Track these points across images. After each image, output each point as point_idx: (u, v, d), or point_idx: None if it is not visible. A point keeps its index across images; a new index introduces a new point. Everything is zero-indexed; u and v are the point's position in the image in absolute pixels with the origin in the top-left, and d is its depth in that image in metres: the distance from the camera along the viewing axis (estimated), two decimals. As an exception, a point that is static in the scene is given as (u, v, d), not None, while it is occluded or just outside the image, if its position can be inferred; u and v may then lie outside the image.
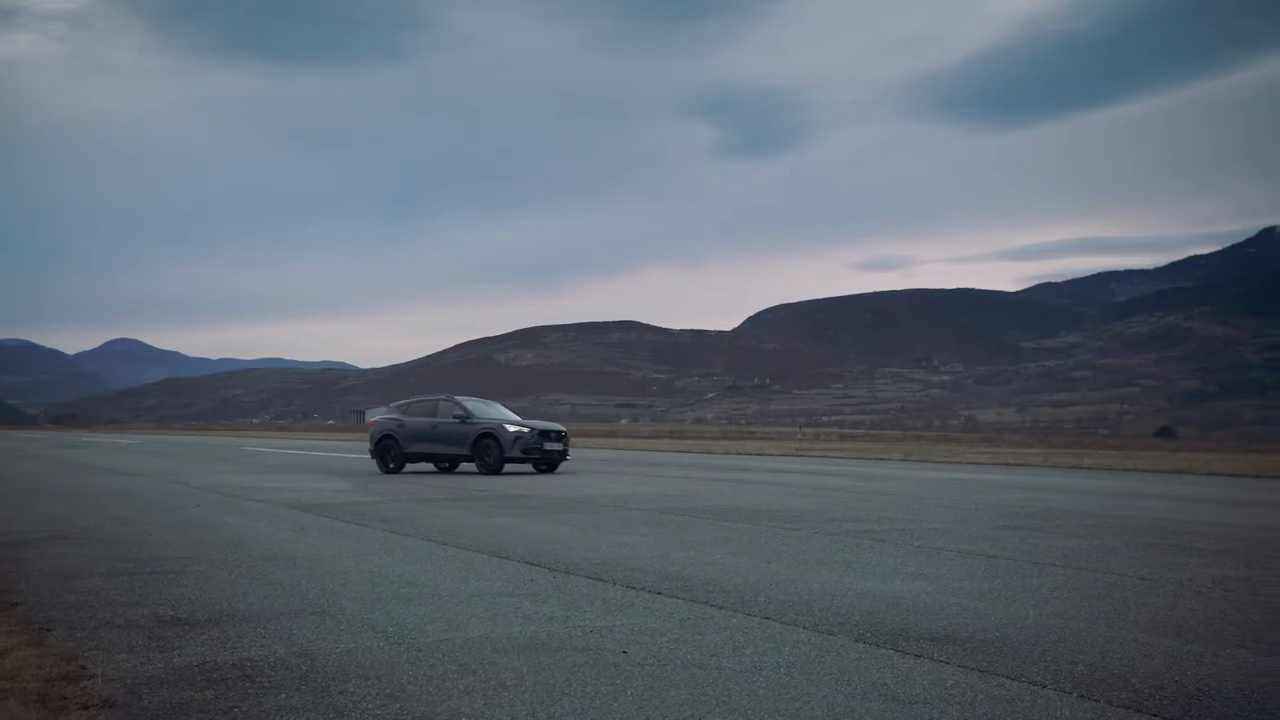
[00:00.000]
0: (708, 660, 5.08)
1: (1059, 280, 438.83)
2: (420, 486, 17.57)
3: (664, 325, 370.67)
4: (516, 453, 22.15)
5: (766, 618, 6.07)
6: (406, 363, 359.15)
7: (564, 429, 23.80)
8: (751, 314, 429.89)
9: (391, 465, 23.48)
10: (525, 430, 22.39)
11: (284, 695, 4.49)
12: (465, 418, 23.01)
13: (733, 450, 42.47)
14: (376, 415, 27.43)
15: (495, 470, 22.07)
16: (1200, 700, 4.41)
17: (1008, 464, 30.14)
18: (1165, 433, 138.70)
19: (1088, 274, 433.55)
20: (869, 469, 25.92)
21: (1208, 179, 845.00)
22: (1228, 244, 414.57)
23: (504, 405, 25.44)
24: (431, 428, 23.25)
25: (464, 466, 23.92)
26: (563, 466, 24.35)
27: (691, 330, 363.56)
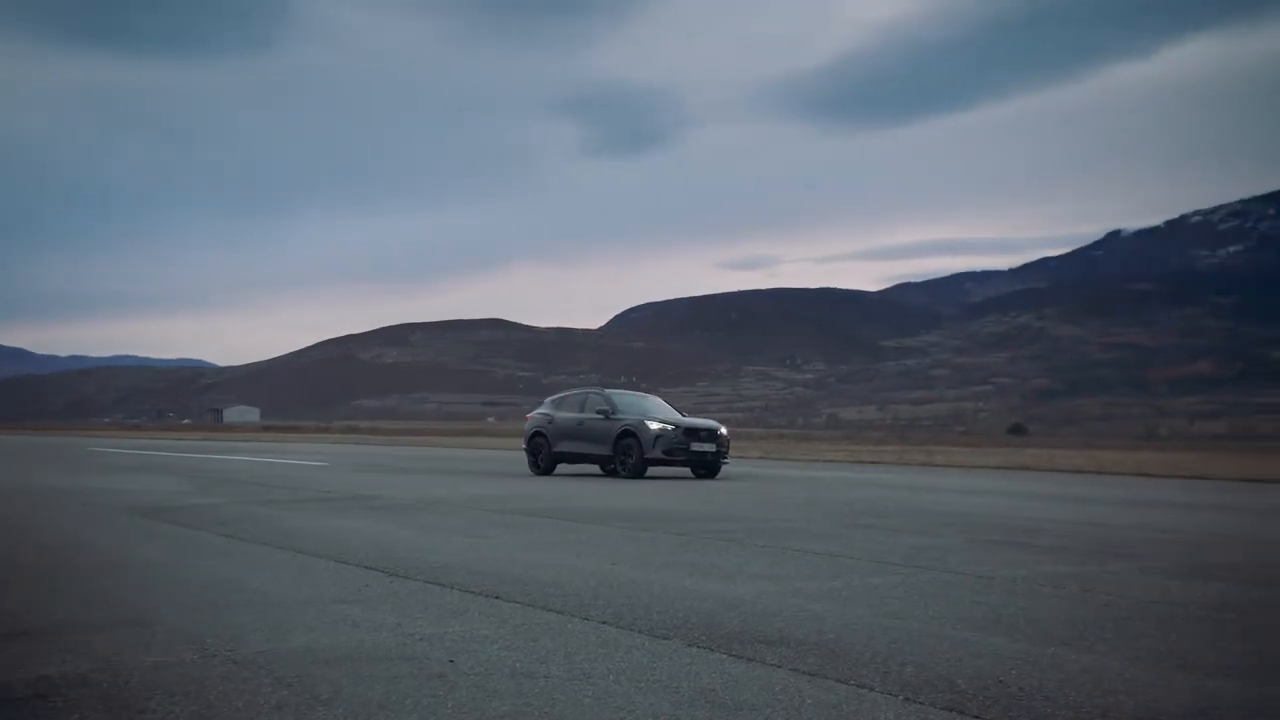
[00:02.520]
0: (537, 668, 4.95)
1: (917, 280, 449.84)
2: (267, 488, 17.09)
3: (531, 323, 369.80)
4: (658, 454, 20.18)
5: (603, 622, 5.97)
6: (267, 360, 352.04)
7: (719, 426, 21.31)
8: (618, 312, 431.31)
9: (541, 465, 21.87)
10: (669, 428, 20.36)
11: (78, 715, 4.23)
12: (610, 413, 21.10)
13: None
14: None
15: (637, 474, 20.33)
16: (1021, 700, 4.43)
17: (863, 462, 30.66)
18: (1017, 430, 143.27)
19: (945, 274, 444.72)
20: (727, 468, 26.09)
21: (1058, 183, 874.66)
22: (1076, 246, 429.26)
23: (667, 402, 23.17)
24: (578, 424, 21.53)
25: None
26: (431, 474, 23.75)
27: (559, 328, 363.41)
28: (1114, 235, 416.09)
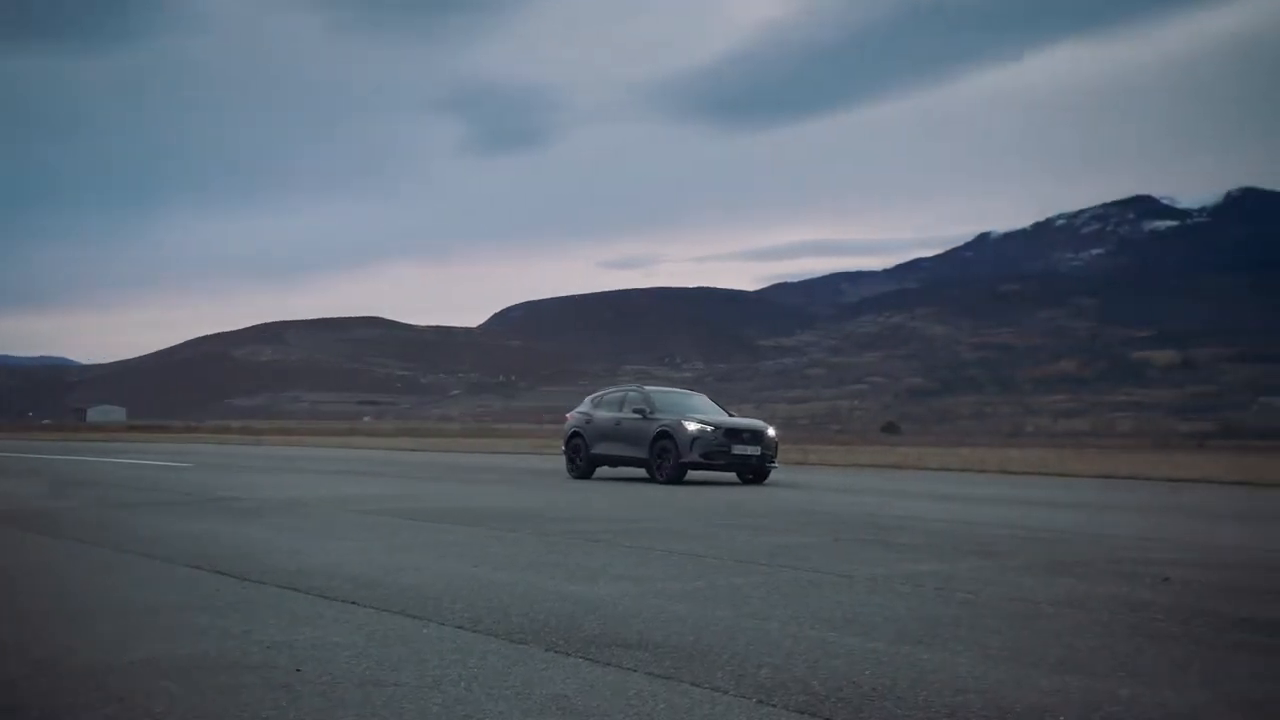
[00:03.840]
0: (387, 676, 4.81)
1: (794, 280, 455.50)
2: (124, 491, 16.55)
3: (410, 321, 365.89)
4: (695, 456, 18.64)
5: (460, 627, 5.85)
6: (135, 358, 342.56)
7: (766, 427, 19.60)
8: (498, 311, 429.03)
9: (579, 468, 20.57)
10: (708, 429, 18.76)
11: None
12: (647, 412, 19.59)
13: (470, 448, 42.07)
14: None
15: (674, 478, 18.78)
16: (873, 700, 4.43)
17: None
18: (891, 428, 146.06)
19: (821, 275, 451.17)
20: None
21: (931, 185, 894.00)
22: (948, 248, 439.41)
23: (712, 399, 21.67)
24: (615, 424, 20.06)
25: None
26: (297, 474, 23.11)
27: (437, 327, 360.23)
28: (984, 237, 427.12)
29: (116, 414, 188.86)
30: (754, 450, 18.97)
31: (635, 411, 19.75)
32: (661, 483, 18.63)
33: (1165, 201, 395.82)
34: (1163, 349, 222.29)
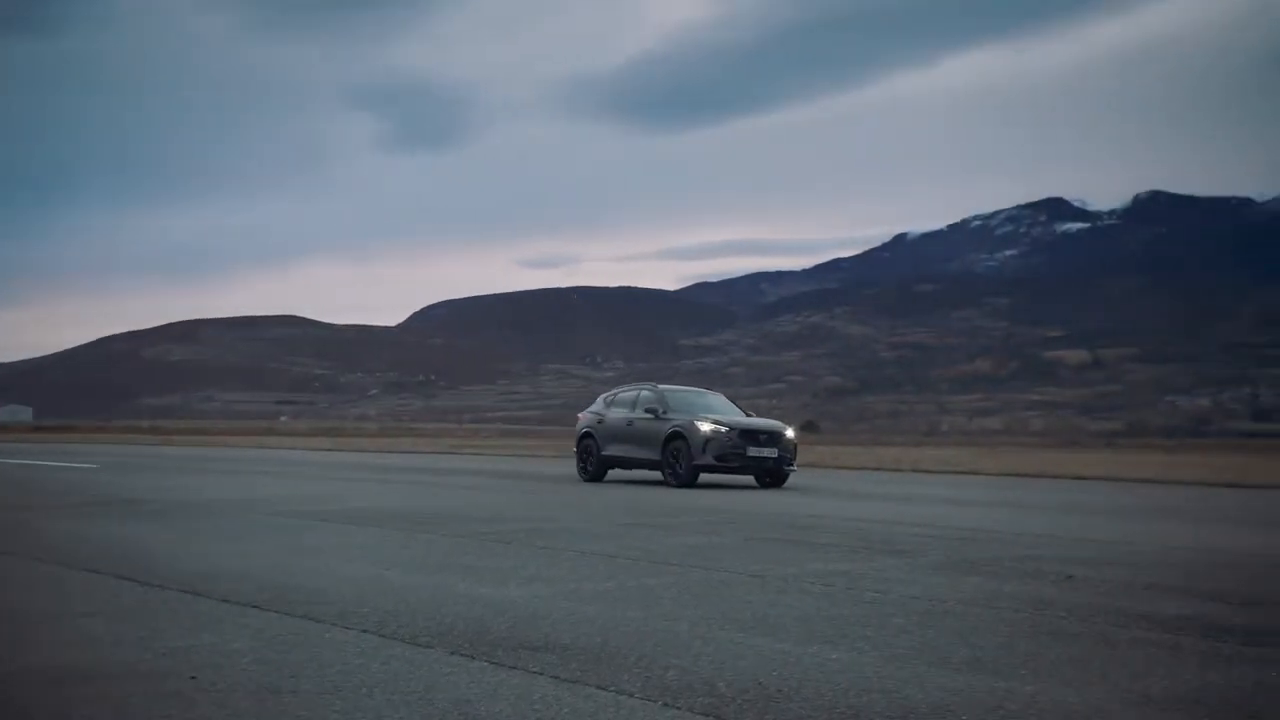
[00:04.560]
0: (285, 683, 4.71)
1: (714, 280, 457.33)
2: (25, 492, 16.13)
3: (327, 320, 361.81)
4: (708, 459, 17.87)
5: (364, 631, 5.75)
6: (42, 357, 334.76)
7: (784, 428, 18.86)
8: (417, 310, 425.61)
9: (590, 471, 19.76)
10: (721, 429, 17.99)
11: None
12: (660, 412, 18.82)
13: (387, 448, 41.69)
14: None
15: (686, 481, 18.01)
16: (778, 702, 4.42)
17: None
18: (809, 427, 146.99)
19: (741, 274, 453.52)
20: (517, 466, 25.96)
21: (849, 186, 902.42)
22: (866, 248, 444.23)
23: (721, 396, 20.95)
24: (627, 425, 19.26)
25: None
26: (201, 476, 22.64)
27: (356, 325, 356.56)
28: (901, 238, 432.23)
29: (23, 414, 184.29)
30: (771, 452, 18.23)
31: (648, 411, 19.02)
32: (674, 486, 17.95)
33: (1076, 204, 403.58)
34: (1074, 349, 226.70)
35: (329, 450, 41.06)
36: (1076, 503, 16.79)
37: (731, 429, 18.03)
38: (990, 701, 4.38)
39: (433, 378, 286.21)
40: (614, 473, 20.84)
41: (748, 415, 19.71)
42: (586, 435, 20.05)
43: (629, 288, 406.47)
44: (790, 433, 18.81)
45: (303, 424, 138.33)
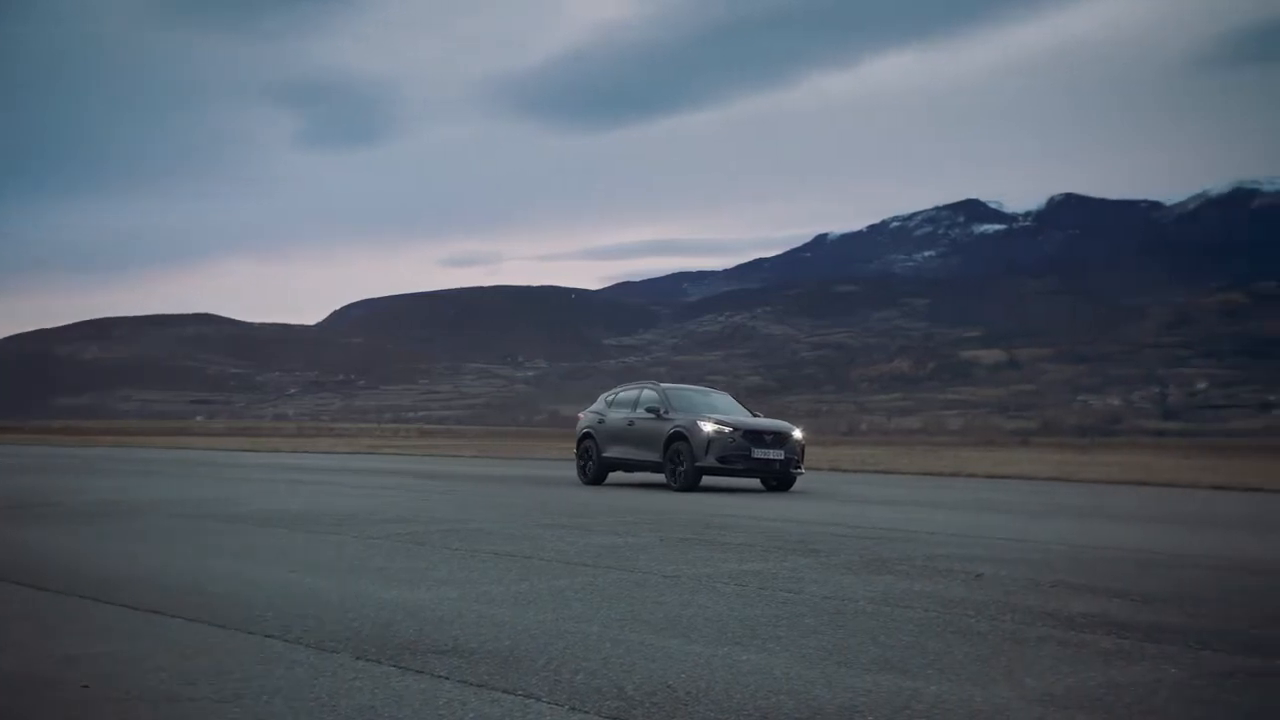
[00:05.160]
0: (183, 690, 4.60)
1: (637, 280, 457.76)
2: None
3: (244, 319, 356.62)
4: (711, 461, 17.09)
5: (269, 636, 5.63)
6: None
7: (791, 429, 18.03)
8: (337, 308, 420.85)
9: (589, 474, 18.93)
10: (725, 430, 17.22)
11: None
12: (661, 412, 17.99)
13: (304, 448, 41.15)
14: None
15: (688, 485, 17.21)
16: (686, 704, 4.40)
17: (573, 459, 30.80)
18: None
19: (663, 274, 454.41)
20: (436, 466, 25.77)
21: (770, 186, 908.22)
22: (787, 248, 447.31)
23: (734, 396, 20.07)
24: (628, 425, 18.43)
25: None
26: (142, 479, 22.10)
27: (274, 324, 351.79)
28: (821, 238, 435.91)
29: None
30: (777, 454, 17.44)
31: (649, 411, 18.23)
32: (676, 489, 17.26)
33: (993, 206, 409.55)
34: (990, 349, 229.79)
35: (244, 450, 40.44)
36: (989, 501, 17.01)
37: (735, 429, 17.32)
38: (897, 701, 4.39)
39: (352, 377, 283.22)
40: (615, 475, 20.08)
41: (754, 415, 19.02)
42: (586, 436, 19.28)
43: (551, 287, 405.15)
44: (798, 433, 18.06)
45: (219, 424, 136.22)
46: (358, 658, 5.17)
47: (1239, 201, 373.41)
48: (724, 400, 19.63)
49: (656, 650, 5.33)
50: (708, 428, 17.18)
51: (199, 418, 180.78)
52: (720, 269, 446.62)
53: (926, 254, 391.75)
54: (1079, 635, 5.74)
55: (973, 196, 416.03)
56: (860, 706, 4.33)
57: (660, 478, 18.08)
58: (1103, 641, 5.59)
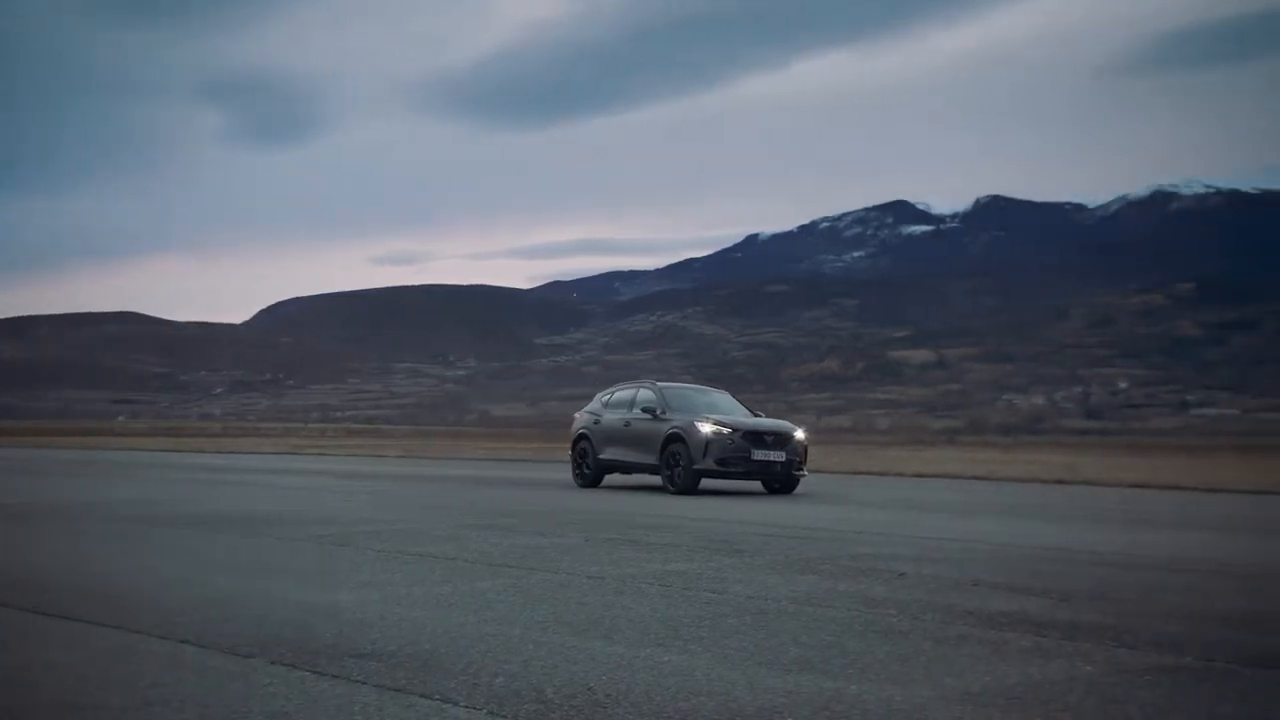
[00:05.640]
0: (93, 698, 4.48)
1: (568, 279, 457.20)
2: None
3: (169, 317, 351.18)
4: (709, 463, 16.55)
5: (183, 641, 5.52)
6: None
7: (794, 430, 17.53)
8: (265, 307, 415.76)
9: (585, 476, 18.41)
10: (724, 431, 16.68)
11: None
12: (658, 412, 17.48)
13: (228, 448, 40.57)
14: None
15: (686, 488, 16.74)
16: (606, 707, 4.37)
17: (502, 459, 30.72)
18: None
19: (594, 273, 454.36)
20: (361, 466, 25.53)
21: (702, 186, 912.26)
22: (718, 248, 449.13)
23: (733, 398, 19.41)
24: (624, 426, 17.92)
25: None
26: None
27: (199, 323, 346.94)
28: (753, 239, 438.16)
29: None
30: (779, 456, 16.90)
31: (645, 411, 17.72)
32: (674, 492, 16.76)
33: (921, 207, 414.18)
34: (918, 349, 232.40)
35: (168, 450, 39.80)
36: (914, 500, 17.15)
37: (735, 430, 16.79)
38: (818, 702, 4.39)
39: (280, 376, 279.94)
40: (612, 477, 19.56)
41: (755, 415, 18.55)
42: (582, 438, 18.72)
43: (482, 286, 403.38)
44: (800, 434, 17.56)
45: (142, 424, 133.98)
46: (273, 662, 5.08)
47: (1157, 204, 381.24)
48: (724, 400, 19.14)
49: (578, 652, 5.29)
50: (705, 429, 16.67)
51: (121, 418, 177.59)
52: (652, 269, 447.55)
53: (856, 254, 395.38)
54: (998, 634, 5.79)
55: (901, 198, 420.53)
56: (780, 707, 4.32)
57: (658, 480, 17.60)
58: (1021, 640, 5.64)
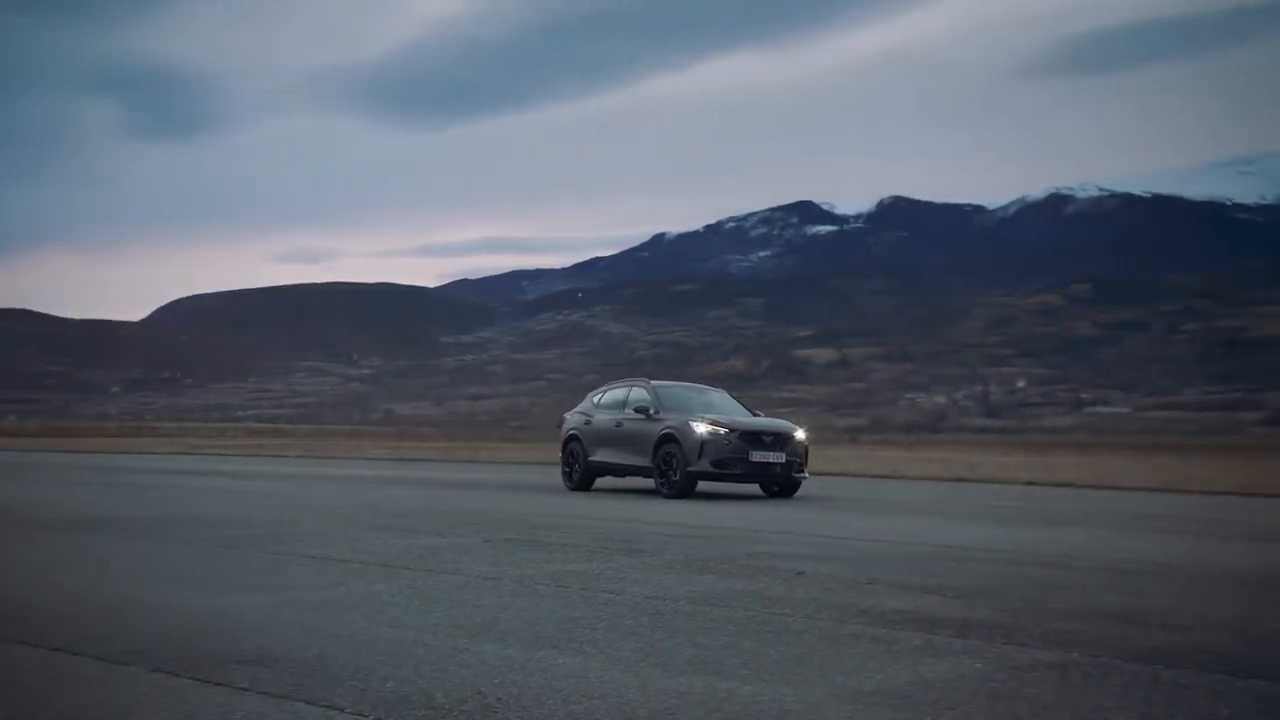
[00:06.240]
0: (-43, 712, 4.30)
1: (475, 277, 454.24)
2: None
3: (62, 314, 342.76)
4: (705, 465, 15.78)
5: (57, 649, 5.33)
6: None
7: (794, 430, 16.73)
8: (163, 304, 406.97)
9: (575, 479, 17.61)
10: (720, 431, 15.90)
11: None
12: (651, 412, 16.67)
13: (123, 449, 39.65)
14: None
15: (681, 491, 15.95)
16: (497, 711, 4.30)
17: (405, 459, 30.42)
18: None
19: (501, 272, 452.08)
20: (262, 466, 25.08)
21: (609, 186, 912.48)
22: (625, 248, 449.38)
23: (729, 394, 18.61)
24: (615, 426, 17.12)
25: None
26: None
27: (94, 320, 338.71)
28: (659, 238, 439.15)
29: None
30: (778, 457, 16.14)
31: (638, 411, 16.90)
32: (668, 496, 16.04)
33: (825, 207, 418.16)
34: (822, 348, 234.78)
35: (58, 451, 38.77)
36: (815, 498, 17.27)
37: (731, 430, 16.02)
38: (710, 703, 4.37)
39: (179, 375, 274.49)
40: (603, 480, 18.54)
41: (754, 414, 17.86)
42: (572, 439, 17.95)
43: (387, 284, 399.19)
44: (801, 434, 16.78)
45: (32, 424, 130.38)
46: (154, 670, 4.93)
47: (1054, 206, 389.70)
48: (721, 398, 18.41)
49: (471, 655, 5.22)
50: (701, 429, 15.92)
51: (11, 418, 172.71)
52: (558, 267, 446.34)
53: (762, 254, 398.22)
54: (892, 632, 5.83)
55: (806, 198, 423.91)
56: (673, 709, 4.29)
57: (651, 483, 16.94)
58: (914, 638, 5.68)
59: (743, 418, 17.04)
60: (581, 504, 14.71)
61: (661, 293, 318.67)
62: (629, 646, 5.41)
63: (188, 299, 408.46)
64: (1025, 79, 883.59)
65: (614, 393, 18.22)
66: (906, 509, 15.36)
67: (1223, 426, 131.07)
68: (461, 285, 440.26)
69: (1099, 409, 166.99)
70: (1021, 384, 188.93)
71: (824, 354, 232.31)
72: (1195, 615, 6.51)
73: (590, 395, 18.99)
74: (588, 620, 6.10)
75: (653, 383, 17.78)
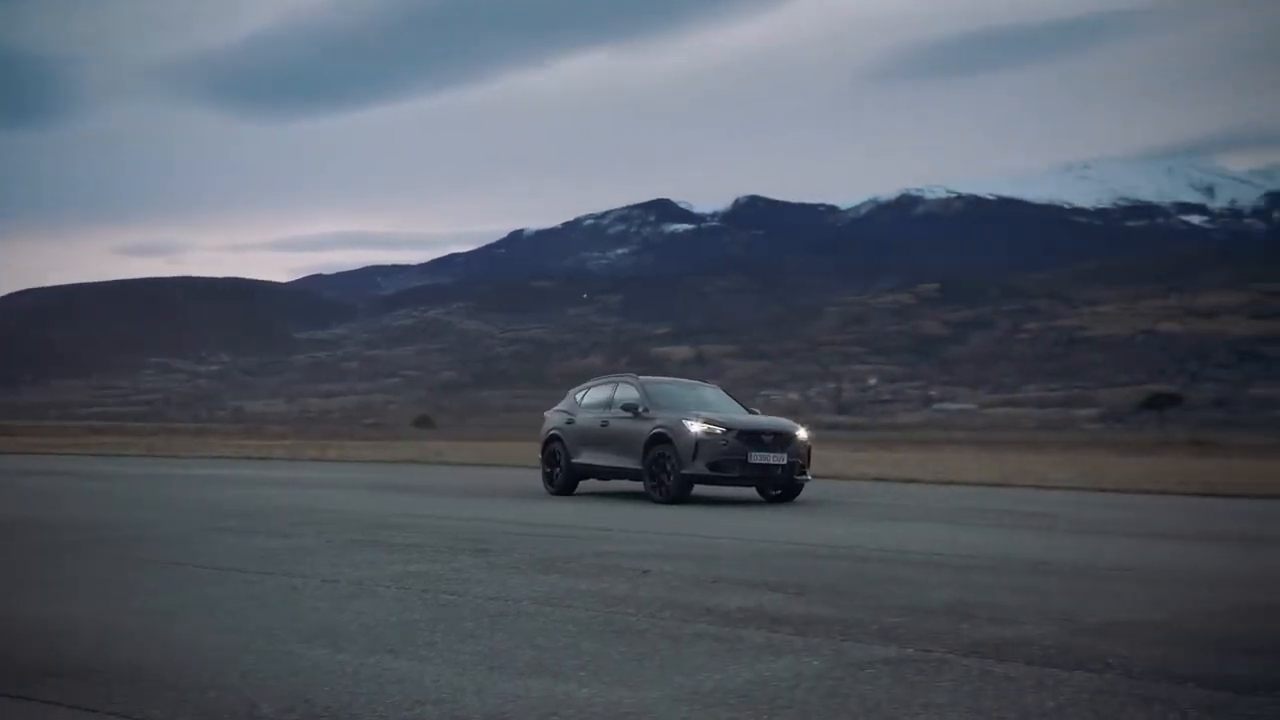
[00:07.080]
0: None
1: (329, 273, 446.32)
2: None
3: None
4: (700, 467, 14.66)
5: None
6: None
7: (795, 429, 15.68)
8: (0, 297, 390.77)
9: (556, 482, 16.43)
10: (716, 430, 14.76)
11: None
12: (640, 410, 15.45)
13: (-48, 449, 37.92)
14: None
15: (675, 495, 14.83)
16: (324, 719, 4.16)
17: (252, 458, 29.70)
18: (424, 421, 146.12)
19: (357, 267, 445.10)
20: (99, 466, 24.20)
21: (466, 182, 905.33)
22: (482, 244, 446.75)
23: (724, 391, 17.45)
24: (601, 426, 15.92)
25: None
26: None
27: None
28: (517, 235, 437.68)
29: None
30: (779, 458, 15.08)
31: (626, 409, 15.73)
32: (660, 501, 14.99)
33: (683, 206, 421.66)
34: (679, 345, 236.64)
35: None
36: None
37: (728, 429, 14.92)
38: (546, 707, 4.30)
39: (16, 371, 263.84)
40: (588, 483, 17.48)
41: (751, 412, 16.79)
42: (553, 439, 16.78)
43: (238, 279, 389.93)
44: (803, 434, 15.79)
45: None
46: (-43, 686, 4.65)
47: (905, 207, 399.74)
48: (715, 395, 17.23)
49: (303, 661, 5.05)
50: (695, 428, 14.82)
51: None
52: (415, 263, 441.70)
53: (619, 251, 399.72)
54: (734, 630, 5.83)
55: (664, 196, 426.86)
56: (509, 713, 4.21)
57: (640, 486, 15.86)
58: (755, 636, 5.68)
59: (740, 416, 16.10)
60: (430, 503, 14.48)
61: (519, 289, 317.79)
62: (468, 649, 5.30)
63: (25, 292, 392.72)
64: (878, 82, 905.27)
65: (599, 389, 17.12)
66: (754, 506, 15.47)
67: (1060, 422, 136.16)
68: (316, 280, 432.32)
69: (946, 406, 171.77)
70: (873, 381, 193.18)
71: (680, 351, 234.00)
72: (1027, 609, 6.66)
73: (573, 392, 17.91)
74: (427, 622, 5.97)
75: (641, 378, 16.72)
